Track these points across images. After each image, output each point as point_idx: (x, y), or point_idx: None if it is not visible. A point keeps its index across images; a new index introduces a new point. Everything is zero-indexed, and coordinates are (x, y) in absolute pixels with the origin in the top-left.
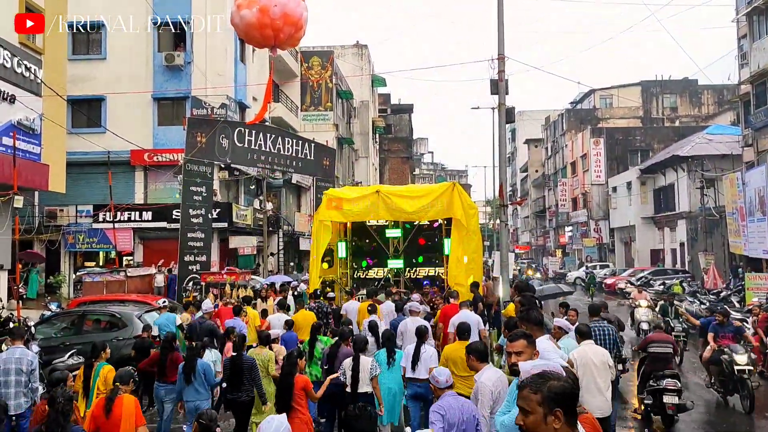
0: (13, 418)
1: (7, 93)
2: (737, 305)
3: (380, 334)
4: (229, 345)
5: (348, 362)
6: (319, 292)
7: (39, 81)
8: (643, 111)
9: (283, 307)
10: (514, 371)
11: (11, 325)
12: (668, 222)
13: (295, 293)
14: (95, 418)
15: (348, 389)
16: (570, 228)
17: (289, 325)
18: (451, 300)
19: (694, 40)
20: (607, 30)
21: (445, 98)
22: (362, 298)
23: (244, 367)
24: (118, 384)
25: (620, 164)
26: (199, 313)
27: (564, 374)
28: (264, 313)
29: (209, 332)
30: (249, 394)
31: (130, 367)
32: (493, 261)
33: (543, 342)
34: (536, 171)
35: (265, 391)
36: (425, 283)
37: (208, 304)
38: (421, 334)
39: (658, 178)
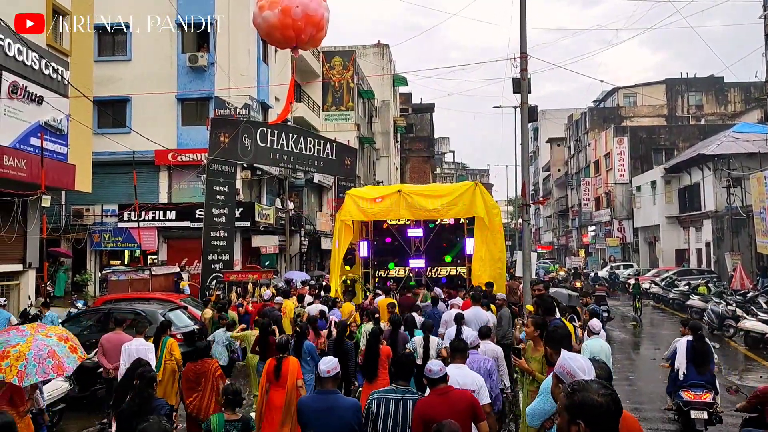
0: None
1: (35, 94)
2: (765, 306)
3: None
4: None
5: (419, 340)
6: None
7: (66, 82)
8: (667, 109)
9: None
10: (551, 362)
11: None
12: (693, 221)
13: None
14: (268, 374)
15: (420, 362)
16: (593, 227)
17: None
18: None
19: (721, 37)
20: (633, 27)
21: (467, 97)
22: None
23: (344, 350)
24: None
25: (644, 163)
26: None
27: (596, 384)
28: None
29: (277, 319)
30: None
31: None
32: (515, 260)
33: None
34: (559, 170)
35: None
36: (442, 281)
37: (268, 293)
38: (458, 321)
39: (684, 177)
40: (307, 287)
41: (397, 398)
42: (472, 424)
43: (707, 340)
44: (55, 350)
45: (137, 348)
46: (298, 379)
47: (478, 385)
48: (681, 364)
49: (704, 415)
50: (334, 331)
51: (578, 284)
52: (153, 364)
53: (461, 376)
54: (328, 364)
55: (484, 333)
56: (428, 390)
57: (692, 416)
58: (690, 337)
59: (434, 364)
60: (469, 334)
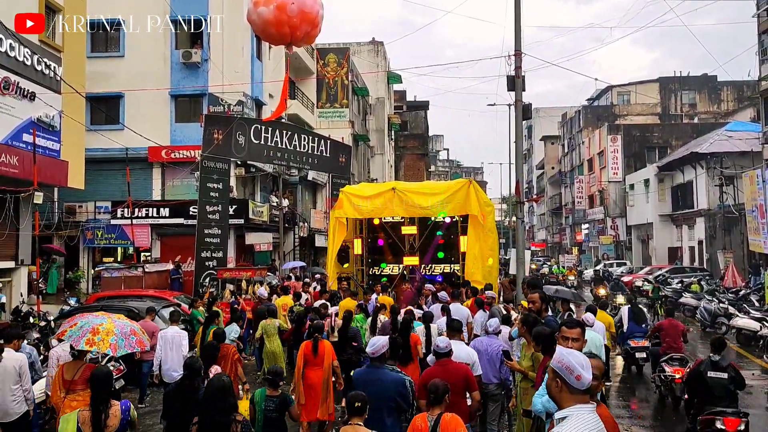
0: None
1: (27, 90)
2: (756, 303)
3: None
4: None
5: (421, 330)
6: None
7: (58, 78)
8: (661, 108)
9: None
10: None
11: (31, 319)
12: (686, 220)
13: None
14: (305, 354)
15: (423, 349)
16: (587, 225)
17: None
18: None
19: (715, 35)
20: (626, 26)
21: (461, 95)
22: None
23: (348, 335)
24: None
25: (638, 161)
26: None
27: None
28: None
29: (273, 312)
30: (350, 355)
31: None
32: (509, 258)
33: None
34: (552, 168)
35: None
36: (438, 279)
37: (262, 291)
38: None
39: (677, 176)
40: (301, 283)
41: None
42: (467, 393)
43: (641, 306)
44: (134, 329)
45: (172, 335)
46: (334, 359)
47: (472, 360)
48: (625, 323)
49: (644, 354)
50: (336, 323)
51: (602, 291)
52: (186, 350)
53: (457, 350)
54: (374, 346)
55: (456, 328)
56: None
57: (636, 356)
58: (629, 306)
59: (442, 341)
60: (493, 322)
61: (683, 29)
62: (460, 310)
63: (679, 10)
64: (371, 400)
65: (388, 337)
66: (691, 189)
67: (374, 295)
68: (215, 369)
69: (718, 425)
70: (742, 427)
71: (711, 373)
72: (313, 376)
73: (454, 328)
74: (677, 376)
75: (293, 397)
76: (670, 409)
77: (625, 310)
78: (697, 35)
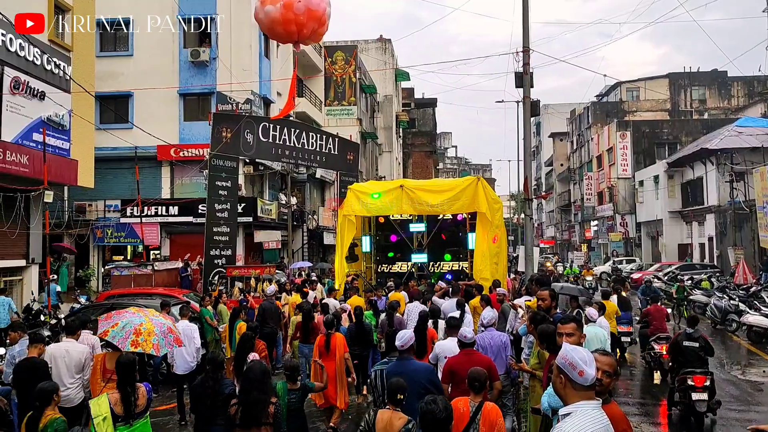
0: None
1: (37, 90)
2: (767, 300)
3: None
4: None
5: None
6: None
7: (68, 78)
8: (670, 103)
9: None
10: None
11: (42, 317)
12: (696, 216)
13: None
14: (319, 347)
15: None
16: (596, 222)
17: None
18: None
19: (725, 31)
20: (635, 21)
21: (469, 92)
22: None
23: (364, 331)
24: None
25: (647, 158)
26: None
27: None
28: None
29: (276, 312)
30: (361, 351)
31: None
32: (518, 255)
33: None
34: (561, 165)
35: None
36: (447, 276)
37: (272, 289)
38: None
39: (686, 172)
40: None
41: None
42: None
43: (625, 295)
44: (170, 326)
45: (183, 329)
46: (345, 352)
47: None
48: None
49: (628, 339)
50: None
51: (625, 294)
52: (198, 343)
53: (452, 346)
54: (403, 339)
55: (453, 325)
56: (458, 350)
57: (621, 339)
58: (616, 295)
59: (468, 332)
60: (487, 314)
61: (691, 24)
62: (452, 306)
63: (688, 5)
64: (408, 389)
65: (413, 330)
66: (701, 185)
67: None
68: (253, 355)
69: (689, 381)
70: (708, 383)
71: (686, 343)
72: (327, 369)
73: (451, 325)
74: (664, 352)
75: (313, 382)
76: (651, 383)
77: (614, 299)
78: (707, 30)
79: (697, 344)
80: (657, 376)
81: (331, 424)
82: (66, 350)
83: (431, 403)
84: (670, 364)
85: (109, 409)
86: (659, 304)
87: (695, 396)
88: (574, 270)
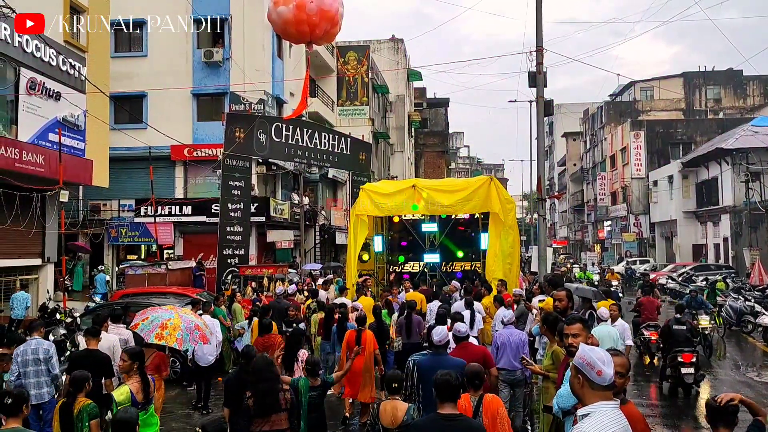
0: (40, 409)
1: (53, 90)
2: None
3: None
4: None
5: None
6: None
7: (83, 78)
8: (685, 103)
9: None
10: (570, 352)
11: (57, 316)
12: (711, 216)
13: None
14: (348, 342)
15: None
16: (609, 222)
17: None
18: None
19: (740, 29)
20: (650, 20)
21: (482, 91)
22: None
23: (382, 330)
24: None
25: (661, 158)
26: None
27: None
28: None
29: (284, 310)
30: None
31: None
32: (531, 255)
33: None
34: (574, 165)
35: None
36: (458, 275)
37: (281, 289)
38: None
39: (701, 172)
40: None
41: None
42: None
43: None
44: (198, 324)
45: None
46: (375, 348)
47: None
48: None
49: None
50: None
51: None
52: (220, 337)
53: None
54: (440, 335)
55: (458, 319)
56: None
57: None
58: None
59: (461, 326)
60: (507, 313)
61: (706, 23)
62: (477, 306)
63: (703, 4)
64: None
65: (446, 326)
66: (716, 185)
67: (403, 293)
68: (303, 352)
69: (679, 359)
70: (694, 360)
71: (675, 326)
72: (356, 364)
73: (455, 319)
74: (653, 338)
75: (333, 377)
76: (642, 365)
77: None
78: (722, 29)
79: (684, 327)
80: (647, 359)
81: (364, 420)
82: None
83: (446, 374)
84: (661, 345)
85: (131, 396)
86: (652, 296)
87: (684, 370)
88: (588, 275)
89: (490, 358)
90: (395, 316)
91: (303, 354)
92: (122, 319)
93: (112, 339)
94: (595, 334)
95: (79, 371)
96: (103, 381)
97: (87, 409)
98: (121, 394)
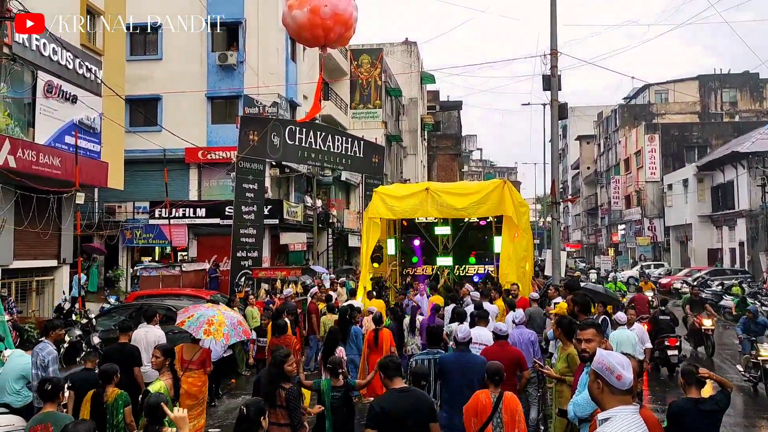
0: None
1: (70, 93)
2: None
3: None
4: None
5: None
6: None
7: (99, 81)
8: (700, 106)
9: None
10: (583, 357)
11: (73, 317)
12: (727, 220)
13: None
14: (368, 341)
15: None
16: (623, 226)
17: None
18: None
19: (756, 32)
20: (665, 23)
21: (495, 94)
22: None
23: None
24: None
25: (676, 161)
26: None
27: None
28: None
29: (294, 311)
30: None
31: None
32: (544, 259)
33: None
34: (588, 168)
35: None
36: (474, 279)
37: (289, 291)
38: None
39: (717, 175)
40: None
41: (431, 357)
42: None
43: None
44: (240, 320)
45: None
46: (392, 346)
47: (491, 342)
48: None
49: (675, 352)
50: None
51: (707, 322)
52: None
53: (480, 335)
54: (464, 333)
55: (482, 316)
56: (492, 342)
57: (668, 353)
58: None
59: (501, 325)
60: (518, 314)
61: (721, 25)
62: (489, 307)
63: (719, 6)
64: (463, 378)
65: (468, 324)
66: (731, 189)
67: (417, 296)
68: (340, 350)
69: (666, 343)
70: (678, 343)
71: (660, 317)
72: (374, 360)
73: (480, 316)
74: (646, 327)
75: (357, 381)
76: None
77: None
78: (738, 31)
79: (668, 317)
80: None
81: None
82: (145, 334)
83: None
84: (651, 333)
85: (166, 390)
86: (643, 293)
87: (670, 352)
88: (620, 286)
89: (524, 361)
90: (407, 319)
91: (340, 351)
92: (154, 320)
93: (160, 333)
94: (613, 339)
95: (107, 364)
96: (134, 370)
97: (122, 398)
98: (157, 389)
